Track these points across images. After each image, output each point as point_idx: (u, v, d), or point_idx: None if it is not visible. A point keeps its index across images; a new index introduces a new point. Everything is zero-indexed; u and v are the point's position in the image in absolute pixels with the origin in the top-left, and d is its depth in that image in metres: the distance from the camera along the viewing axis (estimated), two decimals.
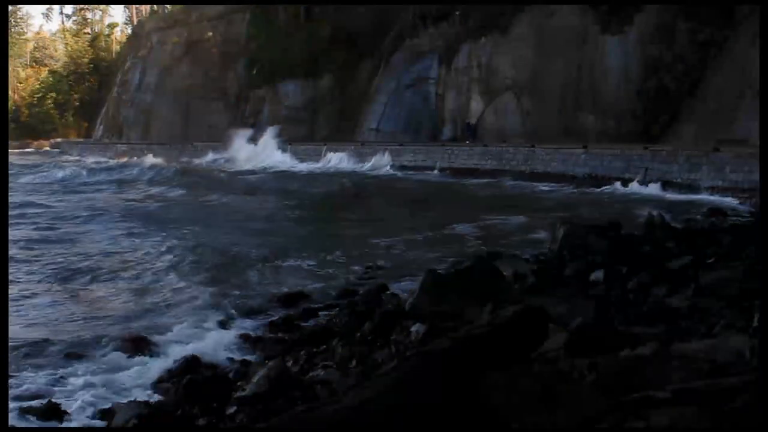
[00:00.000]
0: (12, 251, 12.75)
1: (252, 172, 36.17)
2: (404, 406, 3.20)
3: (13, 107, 78.34)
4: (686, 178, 20.50)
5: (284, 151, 40.31)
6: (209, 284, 10.59)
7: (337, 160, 36.22)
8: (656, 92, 27.73)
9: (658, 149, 22.67)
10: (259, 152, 40.81)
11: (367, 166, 34.01)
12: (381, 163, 33.85)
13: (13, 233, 15.27)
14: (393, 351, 6.21)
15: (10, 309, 8.41)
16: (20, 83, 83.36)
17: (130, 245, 14.73)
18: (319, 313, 8.77)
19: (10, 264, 10.86)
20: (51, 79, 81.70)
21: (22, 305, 9.65)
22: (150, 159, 45.51)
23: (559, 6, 30.92)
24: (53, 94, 79.79)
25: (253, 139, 42.42)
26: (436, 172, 30.75)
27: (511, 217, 17.16)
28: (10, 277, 10.32)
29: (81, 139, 71.96)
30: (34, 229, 17.16)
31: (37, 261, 13.11)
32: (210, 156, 44.66)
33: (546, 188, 24.31)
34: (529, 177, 26.23)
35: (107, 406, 5.80)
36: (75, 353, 7.30)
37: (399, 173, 31.74)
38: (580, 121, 29.96)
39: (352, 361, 6.17)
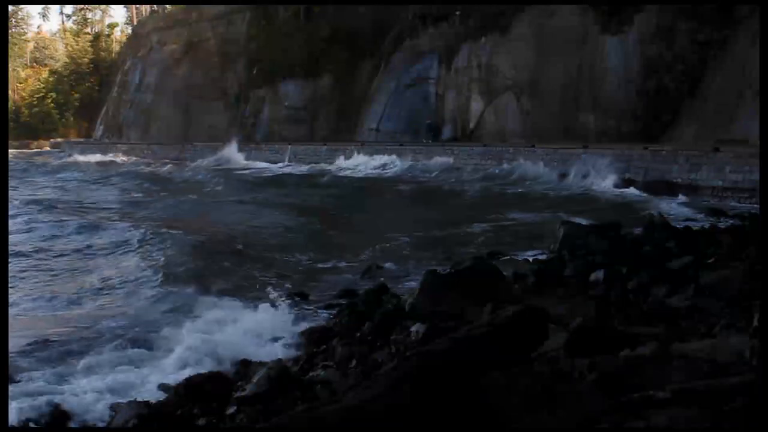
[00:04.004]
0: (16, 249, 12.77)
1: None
2: (404, 406, 3.20)
3: (13, 107, 78.28)
4: (686, 178, 20.49)
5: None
6: (208, 285, 10.59)
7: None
8: (656, 92, 27.71)
9: (658, 149, 22.66)
10: None
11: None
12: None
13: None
14: (393, 351, 6.22)
15: (10, 309, 8.42)
16: (20, 83, 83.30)
17: (130, 244, 14.73)
18: (319, 312, 8.77)
19: (10, 264, 10.87)
20: (51, 79, 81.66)
21: (23, 305, 9.66)
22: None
23: (559, 6, 30.89)
24: (53, 94, 79.70)
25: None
26: (435, 172, 30.72)
27: (510, 217, 17.17)
28: (11, 277, 10.32)
29: (81, 139, 71.92)
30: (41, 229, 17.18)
31: (38, 260, 13.12)
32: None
33: (546, 188, 24.30)
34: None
35: (107, 406, 5.80)
36: (75, 352, 7.31)
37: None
38: (580, 121, 29.93)
39: (352, 361, 6.17)
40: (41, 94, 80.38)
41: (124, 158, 50.98)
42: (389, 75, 39.45)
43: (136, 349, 7.34)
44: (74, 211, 21.31)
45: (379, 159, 34.15)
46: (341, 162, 35.56)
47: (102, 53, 79.77)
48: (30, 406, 5.71)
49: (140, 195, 27.02)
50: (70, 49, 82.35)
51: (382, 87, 39.59)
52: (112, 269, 12.25)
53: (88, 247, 14.58)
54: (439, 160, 31.32)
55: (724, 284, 6.55)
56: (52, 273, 12.11)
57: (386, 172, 32.29)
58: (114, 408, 5.64)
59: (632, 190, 21.44)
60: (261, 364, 6.36)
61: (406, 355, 4.79)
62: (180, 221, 18.03)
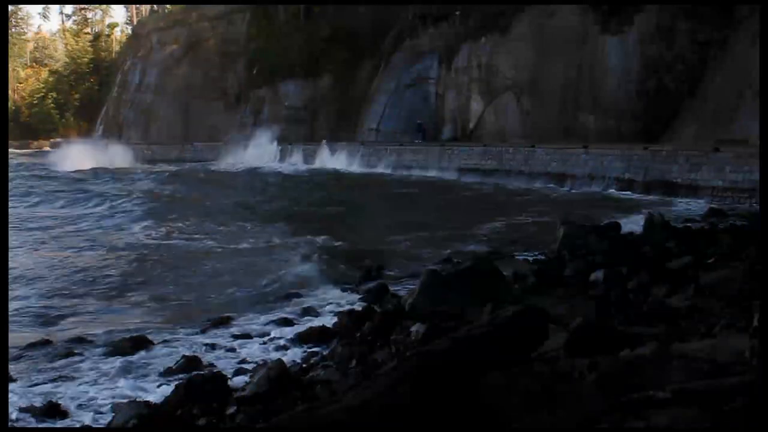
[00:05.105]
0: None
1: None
2: (404, 406, 3.20)
3: (13, 107, 78.37)
4: (686, 178, 20.48)
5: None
6: (206, 284, 10.59)
7: None
8: (656, 92, 27.72)
9: (658, 149, 22.65)
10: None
11: None
12: None
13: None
14: (393, 351, 6.21)
15: (9, 308, 8.41)
16: (20, 83, 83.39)
17: (128, 243, 14.74)
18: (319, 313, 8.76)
19: (10, 264, 10.86)
20: (51, 79, 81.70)
21: (22, 304, 9.65)
22: None
23: (559, 6, 30.91)
24: (53, 94, 79.79)
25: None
26: (435, 172, 30.78)
27: (510, 217, 17.17)
28: (10, 277, 10.32)
29: (81, 139, 71.89)
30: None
31: (38, 258, 13.11)
32: None
33: (546, 188, 24.32)
34: (528, 177, 26.24)
35: (107, 406, 5.80)
36: (75, 353, 7.30)
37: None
38: (580, 121, 29.94)
39: (352, 361, 6.17)
40: (41, 94, 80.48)
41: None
42: (389, 75, 39.48)
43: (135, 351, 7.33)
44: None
45: (378, 158, 34.28)
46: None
47: (102, 53, 79.84)
48: (30, 406, 5.71)
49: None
50: (70, 49, 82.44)
51: (382, 87, 39.61)
52: None
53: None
54: (438, 160, 31.36)
55: (724, 284, 6.54)
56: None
57: (385, 172, 32.35)
58: (114, 408, 5.64)
59: (632, 191, 21.46)
60: (261, 364, 6.35)
61: (406, 355, 4.79)
62: None
